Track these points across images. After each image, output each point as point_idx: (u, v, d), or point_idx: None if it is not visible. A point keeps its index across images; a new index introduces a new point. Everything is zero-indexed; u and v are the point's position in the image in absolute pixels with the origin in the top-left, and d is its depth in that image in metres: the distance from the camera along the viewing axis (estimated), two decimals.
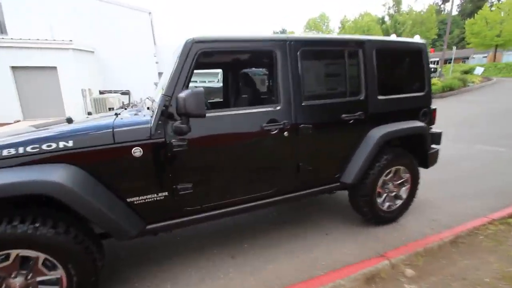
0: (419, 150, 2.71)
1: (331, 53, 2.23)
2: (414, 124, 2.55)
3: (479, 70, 17.94)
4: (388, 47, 2.44)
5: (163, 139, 1.71)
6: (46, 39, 11.89)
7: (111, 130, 1.64)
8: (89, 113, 2.97)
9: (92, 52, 13.68)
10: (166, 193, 1.77)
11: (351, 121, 2.28)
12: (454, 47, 17.14)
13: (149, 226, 1.77)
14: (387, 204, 2.64)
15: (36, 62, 11.61)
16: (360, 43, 2.27)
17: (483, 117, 8.06)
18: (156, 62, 14.59)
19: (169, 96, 1.70)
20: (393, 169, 2.57)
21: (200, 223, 1.92)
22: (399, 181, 2.67)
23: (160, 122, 1.70)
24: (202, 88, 1.58)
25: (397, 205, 2.69)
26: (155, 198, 1.75)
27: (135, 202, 1.71)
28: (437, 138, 2.83)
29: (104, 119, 1.88)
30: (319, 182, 2.31)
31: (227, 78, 3.40)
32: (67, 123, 1.91)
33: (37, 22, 12.70)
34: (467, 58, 34.95)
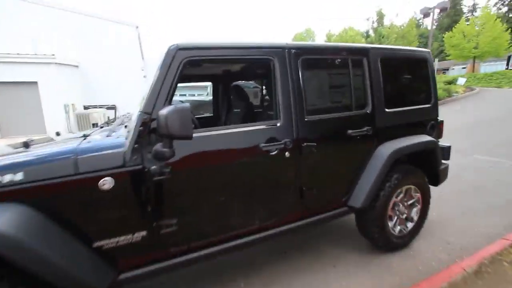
0: (429, 166, 2.49)
1: (334, 62, 2.01)
2: (424, 139, 2.33)
3: (461, 81, 18.52)
4: (393, 56, 2.25)
5: (141, 166, 1.39)
6: (27, 54, 11.44)
7: (74, 157, 1.32)
8: (58, 133, 2.60)
9: (77, 66, 13.26)
10: (145, 233, 1.44)
11: (357, 137, 2.03)
12: (436, 59, 17.71)
13: (123, 275, 1.41)
14: (398, 228, 2.37)
15: (16, 77, 11.08)
16: (364, 51, 2.06)
17: (473, 126, 8.10)
18: (144, 76, 14.25)
19: (148, 113, 1.41)
20: (404, 188, 2.32)
21: (188, 266, 1.58)
22: (410, 202, 2.42)
23: (136, 145, 1.38)
24: (188, 104, 1.29)
25: (409, 228, 2.43)
26: (130, 240, 1.41)
27: (104, 247, 1.37)
28: (446, 152, 2.63)
29: (68, 142, 1.55)
30: (325, 208, 2.02)
31: (218, 91, 3.13)
32: (23, 148, 1.57)
33: (19, 36, 12.24)
34: (447, 69, 36.41)
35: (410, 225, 2.44)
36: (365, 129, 2.03)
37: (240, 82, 3.07)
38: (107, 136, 1.62)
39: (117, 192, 1.35)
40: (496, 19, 26.33)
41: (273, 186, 1.78)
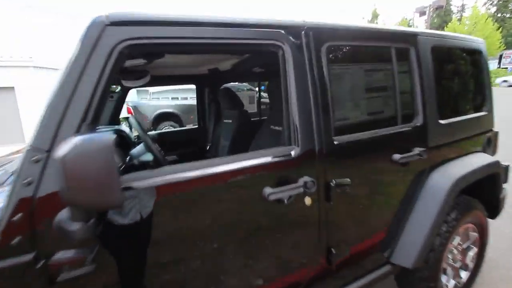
0: (487, 194, 1.85)
1: (373, 52, 1.34)
2: (487, 160, 1.69)
3: None
4: (446, 45, 1.60)
5: (32, 256, 0.69)
6: (1, 56, 10.57)
7: None
8: None
9: (58, 69, 12.37)
10: None
11: (405, 164, 1.37)
12: None
13: None
14: (453, 282, 1.72)
15: None
16: (412, 38, 1.41)
17: None
18: None
19: (45, 150, 0.71)
20: (461, 230, 1.68)
21: None
22: (466, 245, 1.78)
23: (19, 215, 0.69)
24: (111, 136, 0.61)
25: (464, 280, 1.79)
26: None
27: None
28: (505, 174, 1.99)
29: None
30: (361, 271, 1.35)
31: (202, 96, 2.45)
32: None
33: None
34: None
35: (465, 275, 1.80)
36: (416, 151, 1.37)
37: (230, 85, 2.38)
38: None
39: None
40: (487, 19, 26.42)
41: (286, 253, 1.10)
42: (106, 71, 0.76)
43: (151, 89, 8.20)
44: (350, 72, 1.28)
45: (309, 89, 1.07)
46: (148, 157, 1.06)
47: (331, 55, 1.14)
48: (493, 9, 40.07)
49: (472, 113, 1.76)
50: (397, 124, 1.36)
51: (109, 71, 0.76)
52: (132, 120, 1.17)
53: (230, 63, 1.90)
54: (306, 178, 1.03)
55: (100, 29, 0.76)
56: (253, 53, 1.47)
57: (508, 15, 38.78)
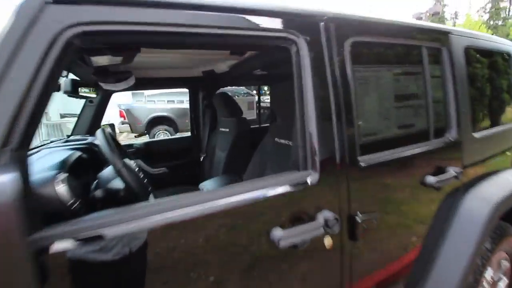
0: None
1: (403, 51, 1.11)
2: None
3: None
4: (479, 46, 1.39)
5: None
6: None
7: None
8: None
9: None
10: None
11: (438, 188, 1.14)
12: None
13: None
14: None
15: None
16: (443, 36, 1.19)
17: None
18: None
19: None
20: (494, 260, 1.45)
21: None
22: (496, 277, 1.55)
23: None
24: (17, 182, 0.36)
25: None
26: None
27: None
28: None
29: None
30: None
31: (196, 102, 2.21)
32: None
33: None
34: None
35: None
36: (452, 172, 1.14)
37: (226, 88, 2.15)
38: None
39: None
40: (481, 25, 26.76)
41: None
42: (45, 70, 0.51)
43: (147, 91, 7.88)
44: (378, 76, 1.05)
45: (330, 95, 0.83)
46: (118, 183, 0.81)
47: (356, 54, 0.90)
48: (486, 16, 40.77)
49: (503, 125, 1.55)
50: (429, 139, 1.14)
51: (50, 70, 0.51)
52: (99, 134, 0.91)
53: (227, 64, 1.66)
54: (326, 214, 0.79)
55: (37, 9, 0.51)
56: (258, 49, 1.22)
57: (500, 23, 39.47)
